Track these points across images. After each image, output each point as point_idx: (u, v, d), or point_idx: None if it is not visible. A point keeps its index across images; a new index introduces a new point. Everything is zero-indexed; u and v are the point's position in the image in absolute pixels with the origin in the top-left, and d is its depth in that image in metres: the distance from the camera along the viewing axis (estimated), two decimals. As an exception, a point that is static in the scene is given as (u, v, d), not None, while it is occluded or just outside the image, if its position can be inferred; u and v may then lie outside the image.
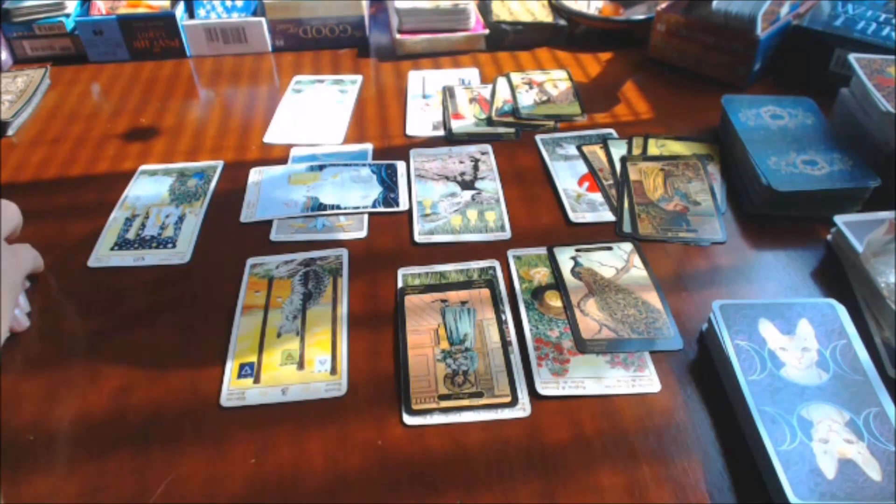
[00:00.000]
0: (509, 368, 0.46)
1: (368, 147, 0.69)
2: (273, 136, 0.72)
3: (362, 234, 0.58)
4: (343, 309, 0.51)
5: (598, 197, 0.61)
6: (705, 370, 0.46)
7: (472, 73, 0.82)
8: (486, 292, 0.51)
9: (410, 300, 0.51)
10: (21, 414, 0.44)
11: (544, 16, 0.88)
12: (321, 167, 0.65)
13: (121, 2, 0.88)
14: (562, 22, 0.87)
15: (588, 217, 0.59)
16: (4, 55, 0.86)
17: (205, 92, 0.81)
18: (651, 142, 0.67)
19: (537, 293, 0.51)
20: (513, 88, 0.77)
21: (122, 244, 0.58)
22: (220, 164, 0.67)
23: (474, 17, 0.87)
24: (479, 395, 0.44)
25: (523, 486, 0.39)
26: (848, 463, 0.37)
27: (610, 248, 0.55)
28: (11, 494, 0.40)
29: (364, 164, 0.66)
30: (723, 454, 0.41)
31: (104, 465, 0.41)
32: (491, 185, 0.63)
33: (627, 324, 0.48)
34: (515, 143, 0.69)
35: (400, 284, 0.53)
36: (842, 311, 0.45)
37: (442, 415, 0.43)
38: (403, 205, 0.61)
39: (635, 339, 0.47)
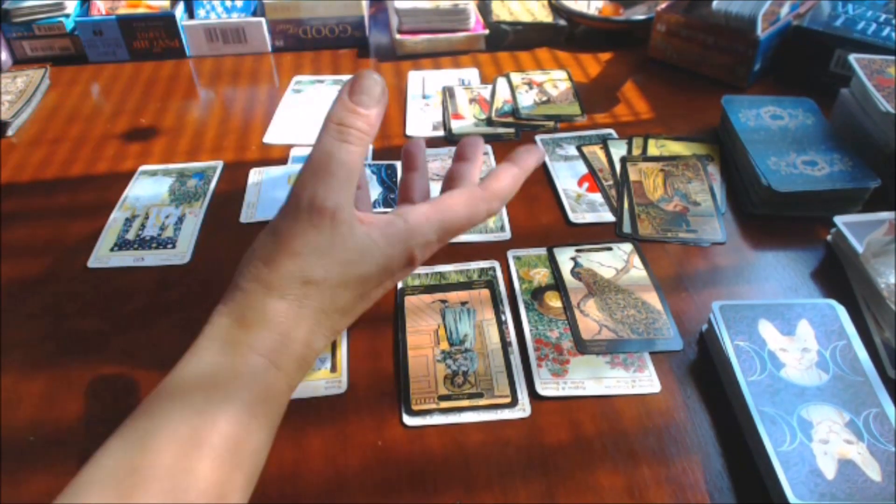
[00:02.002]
0: (509, 369, 0.46)
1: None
2: (273, 136, 0.72)
3: (362, 234, 0.58)
4: (343, 309, 0.51)
5: (597, 197, 0.61)
6: (705, 371, 0.46)
7: (471, 74, 0.82)
8: (485, 293, 0.51)
9: (410, 301, 0.51)
10: (21, 414, 0.44)
11: (544, 16, 0.88)
12: (321, 167, 0.65)
13: (121, 2, 0.88)
14: (562, 22, 0.87)
15: (588, 217, 0.59)
16: (4, 55, 0.86)
17: (205, 92, 0.81)
18: (651, 142, 0.67)
19: (537, 294, 0.51)
20: (513, 89, 0.77)
21: (121, 245, 0.58)
22: (219, 164, 0.67)
23: (474, 17, 0.87)
24: (478, 395, 0.44)
25: (523, 487, 0.39)
26: (848, 463, 0.37)
27: (610, 249, 0.55)
28: (11, 495, 0.40)
29: (363, 165, 0.66)
30: (722, 454, 0.41)
31: (104, 465, 0.41)
32: (491, 186, 0.62)
33: (627, 324, 0.48)
34: (515, 143, 0.69)
35: (399, 285, 0.53)
36: (842, 312, 0.45)
37: (442, 415, 0.43)
38: (403, 205, 0.61)
39: (635, 339, 0.47)
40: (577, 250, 0.55)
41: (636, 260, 0.54)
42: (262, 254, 0.33)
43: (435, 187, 0.62)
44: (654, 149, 0.66)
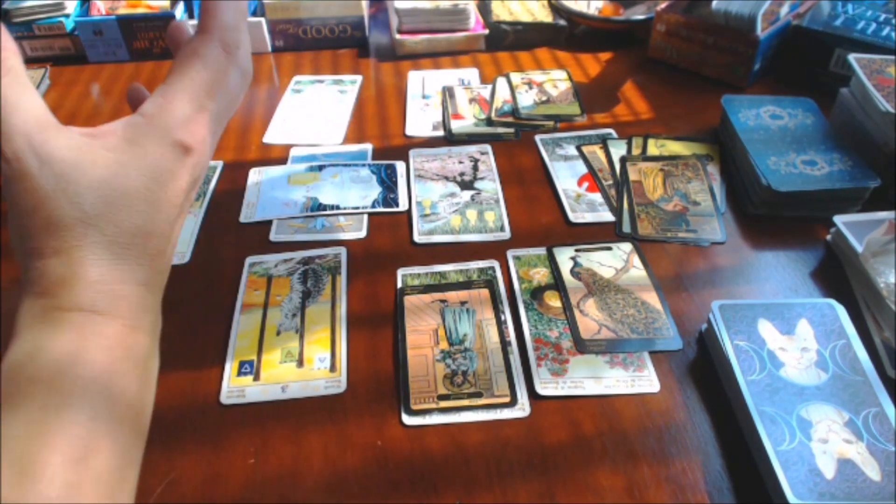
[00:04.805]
0: (508, 369, 0.46)
1: (368, 147, 0.69)
2: (273, 136, 0.72)
3: (362, 234, 0.58)
4: (342, 307, 0.51)
5: (597, 197, 0.61)
6: (705, 370, 0.46)
7: (471, 74, 0.82)
8: (485, 292, 0.51)
9: (410, 300, 0.51)
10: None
11: (544, 16, 0.88)
12: (321, 167, 0.65)
13: (120, 2, 0.88)
14: (562, 22, 0.87)
15: (587, 217, 0.59)
16: (4, 55, 0.86)
17: (205, 92, 0.81)
18: (651, 142, 0.67)
19: (537, 293, 0.51)
20: (512, 88, 0.77)
21: (121, 244, 0.58)
22: (219, 164, 0.67)
23: (474, 17, 0.87)
24: (478, 395, 0.44)
25: (523, 486, 0.39)
26: (847, 463, 0.37)
27: (609, 249, 0.55)
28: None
29: (364, 165, 0.66)
30: (722, 454, 0.41)
31: (103, 464, 0.41)
32: (490, 186, 0.63)
33: (627, 324, 0.48)
34: (515, 143, 0.69)
35: (399, 285, 0.53)
36: (841, 311, 0.45)
37: (441, 415, 0.43)
38: (403, 205, 0.61)
39: (635, 339, 0.47)
40: (577, 250, 0.55)
41: (636, 260, 0.54)
42: (13, 235, 0.29)
43: (434, 186, 0.63)
44: (653, 149, 0.66)
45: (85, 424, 0.26)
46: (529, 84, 0.77)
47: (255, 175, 0.65)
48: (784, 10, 0.75)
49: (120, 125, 0.30)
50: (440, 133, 0.71)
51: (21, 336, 0.28)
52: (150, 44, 0.86)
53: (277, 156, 0.69)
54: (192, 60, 0.32)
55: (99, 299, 0.28)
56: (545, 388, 0.44)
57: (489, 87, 0.78)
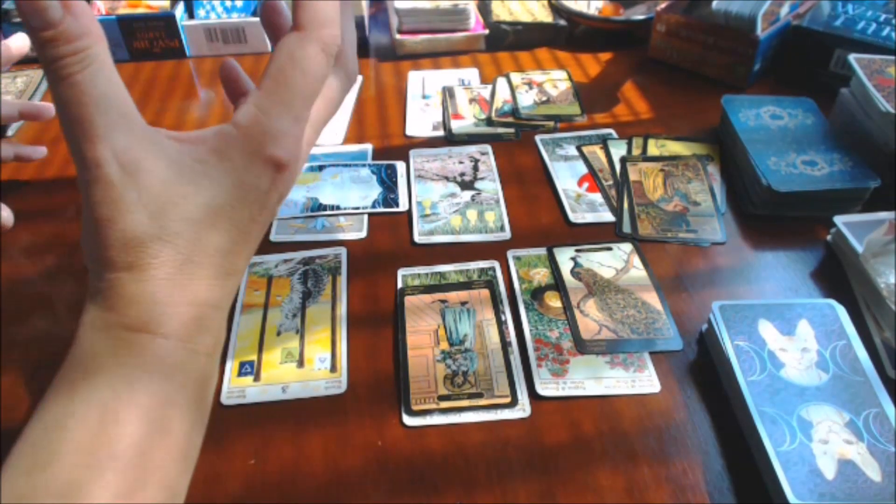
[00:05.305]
0: (509, 369, 0.46)
1: (368, 147, 0.69)
2: (273, 136, 0.71)
3: (362, 234, 0.58)
4: (342, 307, 0.51)
5: (597, 197, 0.61)
6: (705, 371, 0.46)
7: (471, 74, 0.82)
8: (485, 293, 0.51)
9: (410, 301, 0.51)
10: (21, 414, 0.44)
11: (544, 16, 0.88)
12: (321, 167, 0.65)
13: (121, 2, 0.88)
14: (562, 22, 0.87)
15: (588, 217, 0.59)
16: (4, 55, 0.86)
17: (205, 92, 0.81)
18: (651, 142, 0.67)
19: (537, 294, 0.51)
20: (512, 89, 0.77)
21: (121, 244, 0.57)
22: (219, 164, 0.67)
23: (474, 17, 0.87)
24: (478, 395, 0.44)
25: (523, 487, 0.39)
26: (847, 464, 0.37)
27: (610, 249, 0.55)
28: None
29: (364, 165, 0.66)
30: (722, 455, 0.41)
31: (104, 465, 0.41)
32: (491, 186, 0.63)
33: (627, 324, 0.48)
34: (515, 143, 0.69)
35: (400, 285, 0.53)
36: (842, 312, 0.45)
37: (442, 415, 0.43)
38: (403, 205, 0.61)
39: (635, 339, 0.47)
40: (577, 250, 0.55)
41: (636, 260, 0.54)
42: (86, 237, 0.28)
43: (434, 187, 0.62)
44: (653, 149, 0.66)
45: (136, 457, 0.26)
46: (529, 84, 0.77)
47: (255, 175, 0.65)
48: (784, 10, 0.75)
49: (211, 134, 0.29)
50: (440, 133, 0.71)
51: (80, 346, 0.28)
52: (150, 44, 0.86)
53: (277, 156, 0.68)
54: (288, 66, 0.29)
55: (166, 321, 0.27)
56: (545, 388, 0.44)
57: (489, 87, 0.78)
